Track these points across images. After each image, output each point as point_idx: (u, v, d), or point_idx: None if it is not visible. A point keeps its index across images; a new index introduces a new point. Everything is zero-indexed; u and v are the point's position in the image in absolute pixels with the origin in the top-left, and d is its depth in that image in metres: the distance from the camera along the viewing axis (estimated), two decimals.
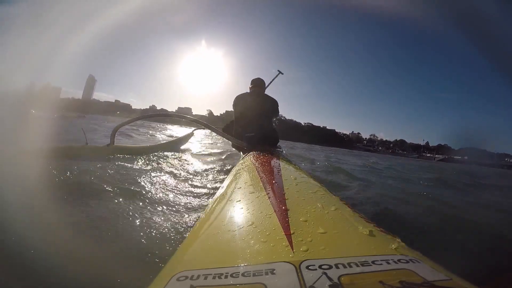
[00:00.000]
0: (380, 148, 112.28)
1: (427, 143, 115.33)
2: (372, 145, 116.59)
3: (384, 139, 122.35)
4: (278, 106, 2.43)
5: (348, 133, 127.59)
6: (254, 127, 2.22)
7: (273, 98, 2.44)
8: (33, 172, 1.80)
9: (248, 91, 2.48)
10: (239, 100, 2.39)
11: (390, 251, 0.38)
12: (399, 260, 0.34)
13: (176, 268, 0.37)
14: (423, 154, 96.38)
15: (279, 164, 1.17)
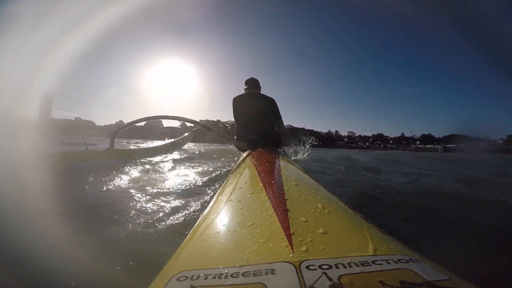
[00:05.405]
0: (367, 144, 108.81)
1: (403, 134, 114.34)
2: (354, 141, 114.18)
3: (362, 135, 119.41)
4: (276, 104, 2.40)
5: (326, 132, 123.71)
6: (255, 128, 2.23)
7: (270, 97, 2.42)
8: (36, 179, 1.80)
9: (244, 92, 2.47)
10: (238, 102, 2.39)
11: (390, 251, 0.38)
12: (399, 260, 0.34)
13: (176, 268, 0.37)
14: (417, 146, 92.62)
15: (279, 164, 1.17)
